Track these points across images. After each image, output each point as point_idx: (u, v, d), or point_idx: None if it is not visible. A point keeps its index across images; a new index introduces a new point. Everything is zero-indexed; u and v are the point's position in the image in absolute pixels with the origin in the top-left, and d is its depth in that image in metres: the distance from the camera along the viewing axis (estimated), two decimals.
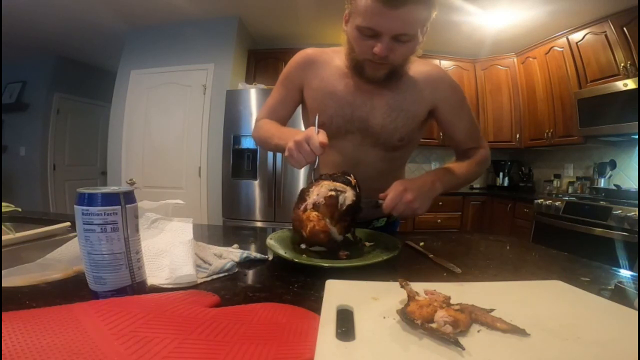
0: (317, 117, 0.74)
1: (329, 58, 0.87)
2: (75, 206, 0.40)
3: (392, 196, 0.66)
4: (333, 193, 0.62)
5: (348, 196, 0.64)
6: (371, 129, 0.84)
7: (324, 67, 0.86)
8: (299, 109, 0.97)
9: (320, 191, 0.64)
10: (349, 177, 0.67)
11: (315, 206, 0.62)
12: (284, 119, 0.94)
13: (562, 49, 2.65)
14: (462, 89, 0.89)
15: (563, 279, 0.49)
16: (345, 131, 0.85)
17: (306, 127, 0.94)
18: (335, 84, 0.84)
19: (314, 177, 0.69)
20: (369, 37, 0.68)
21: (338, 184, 0.65)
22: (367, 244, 0.70)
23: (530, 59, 2.99)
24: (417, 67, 0.82)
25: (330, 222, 0.62)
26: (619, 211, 1.89)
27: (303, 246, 0.66)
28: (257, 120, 0.95)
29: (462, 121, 0.88)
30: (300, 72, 0.88)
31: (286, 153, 0.69)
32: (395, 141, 0.85)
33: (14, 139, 3.89)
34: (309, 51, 0.89)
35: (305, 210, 0.63)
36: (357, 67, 0.76)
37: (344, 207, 0.63)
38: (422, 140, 0.95)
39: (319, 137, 0.64)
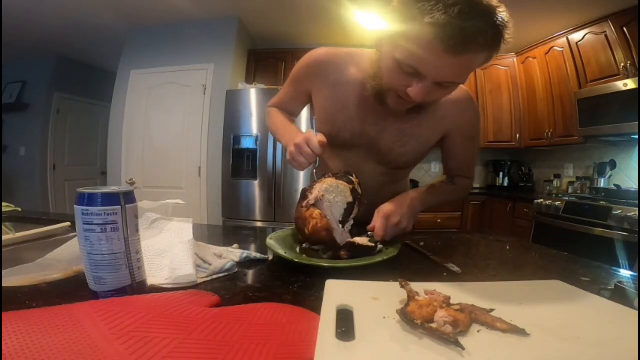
0: (315, 120, 0.76)
1: (343, 63, 0.78)
2: (75, 206, 0.40)
3: (379, 226, 0.66)
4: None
5: (347, 195, 0.65)
6: (378, 148, 0.80)
7: (336, 73, 0.78)
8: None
9: (322, 187, 0.64)
10: (351, 177, 0.68)
11: (317, 202, 0.63)
12: (295, 113, 0.95)
13: (562, 49, 2.65)
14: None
15: (563, 279, 0.49)
16: (352, 145, 0.82)
17: (312, 121, 0.95)
18: (347, 96, 0.77)
19: (316, 177, 0.71)
20: (408, 74, 0.57)
21: (340, 181, 0.66)
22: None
23: (530, 59, 2.99)
24: None
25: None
26: (619, 211, 1.89)
27: (305, 245, 0.66)
28: (269, 107, 0.97)
29: (465, 153, 0.84)
30: (310, 76, 0.81)
31: (288, 157, 0.71)
32: (402, 164, 0.83)
33: (14, 139, 3.89)
34: (321, 52, 0.80)
35: (307, 206, 0.64)
36: (380, 94, 0.67)
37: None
38: None
39: (318, 137, 0.67)
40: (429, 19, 0.48)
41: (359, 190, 0.68)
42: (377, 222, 0.67)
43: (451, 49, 0.49)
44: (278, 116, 0.90)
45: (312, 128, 0.72)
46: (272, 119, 0.91)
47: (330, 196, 0.65)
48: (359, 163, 0.84)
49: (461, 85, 0.71)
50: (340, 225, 0.66)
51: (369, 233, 0.68)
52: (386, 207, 0.69)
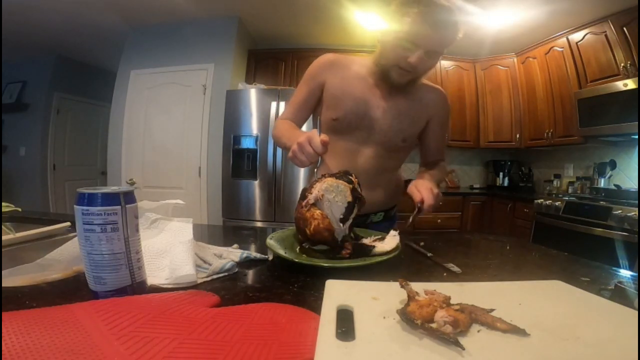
0: (318, 118, 0.79)
1: (349, 62, 0.96)
2: (75, 206, 0.40)
3: (428, 195, 0.78)
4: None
5: (347, 194, 0.65)
6: (380, 127, 0.93)
7: (345, 69, 0.95)
8: None
9: (322, 187, 0.64)
10: (350, 177, 0.69)
11: (317, 201, 0.63)
12: (306, 116, 1.02)
13: (562, 49, 2.65)
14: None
15: (563, 279, 0.49)
16: (355, 127, 0.93)
17: (315, 121, 1.03)
18: (354, 84, 0.93)
19: (317, 176, 0.71)
20: (406, 49, 0.80)
21: (340, 181, 0.66)
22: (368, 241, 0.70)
23: (530, 59, 2.99)
24: (427, 88, 0.98)
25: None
26: (619, 211, 1.89)
27: (306, 245, 0.66)
28: (278, 119, 1.02)
29: (441, 137, 1.06)
30: (324, 71, 0.95)
31: (290, 154, 0.73)
32: (399, 142, 0.95)
33: (14, 139, 3.89)
34: (331, 55, 0.97)
35: (307, 206, 0.64)
36: (384, 72, 0.87)
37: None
38: None
39: (321, 136, 0.68)
40: (418, 9, 0.75)
41: (359, 190, 0.68)
42: (424, 194, 0.78)
43: (434, 26, 0.76)
44: (284, 123, 0.97)
45: (316, 127, 0.73)
46: (278, 127, 0.97)
47: (330, 196, 0.65)
48: (359, 146, 0.95)
49: (438, 86, 1.01)
50: (341, 225, 0.66)
51: (419, 204, 0.76)
52: (421, 183, 0.82)
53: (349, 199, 0.66)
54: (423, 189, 0.79)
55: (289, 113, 1.00)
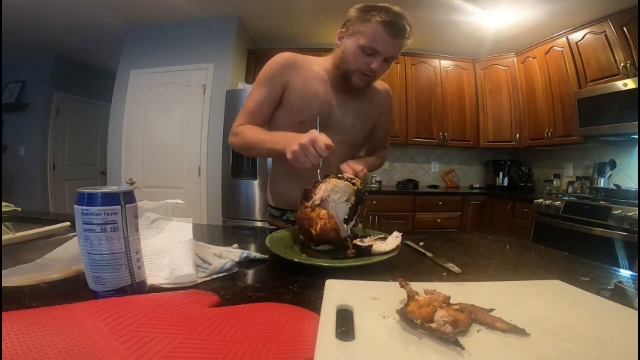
0: (318, 120, 0.80)
1: (308, 63, 0.97)
2: (75, 206, 0.40)
3: (354, 167, 0.85)
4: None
5: (352, 196, 0.67)
6: (344, 127, 0.98)
7: (305, 69, 0.95)
8: None
9: (327, 188, 0.65)
10: (354, 180, 0.70)
11: (322, 202, 0.64)
12: (266, 120, 0.97)
13: (562, 49, 2.65)
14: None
15: (563, 279, 0.49)
16: (323, 128, 0.91)
17: (274, 124, 0.99)
18: (317, 86, 0.94)
19: (320, 177, 0.72)
20: (368, 55, 0.86)
21: (345, 182, 0.67)
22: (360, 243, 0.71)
23: (530, 59, 2.99)
24: (375, 86, 1.03)
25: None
26: (619, 211, 1.89)
27: (311, 245, 0.66)
28: (237, 127, 0.95)
29: (387, 129, 1.15)
30: (285, 72, 0.93)
31: (290, 156, 0.72)
32: (361, 138, 1.04)
33: (14, 139, 3.89)
34: (288, 54, 0.96)
35: (312, 206, 0.64)
36: (346, 76, 0.91)
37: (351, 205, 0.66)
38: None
39: (324, 139, 0.69)
40: (379, 19, 0.82)
41: (363, 192, 0.69)
42: (352, 169, 0.83)
43: (394, 35, 0.83)
44: (253, 130, 0.91)
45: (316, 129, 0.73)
46: (251, 134, 0.91)
47: (335, 196, 0.65)
48: None
49: (384, 83, 1.08)
50: (345, 225, 0.66)
51: (348, 176, 0.74)
52: (351, 162, 0.89)
53: (353, 200, 0.66)
54: (352, 167, 0.86)
55: (248, 119, 0.94)
